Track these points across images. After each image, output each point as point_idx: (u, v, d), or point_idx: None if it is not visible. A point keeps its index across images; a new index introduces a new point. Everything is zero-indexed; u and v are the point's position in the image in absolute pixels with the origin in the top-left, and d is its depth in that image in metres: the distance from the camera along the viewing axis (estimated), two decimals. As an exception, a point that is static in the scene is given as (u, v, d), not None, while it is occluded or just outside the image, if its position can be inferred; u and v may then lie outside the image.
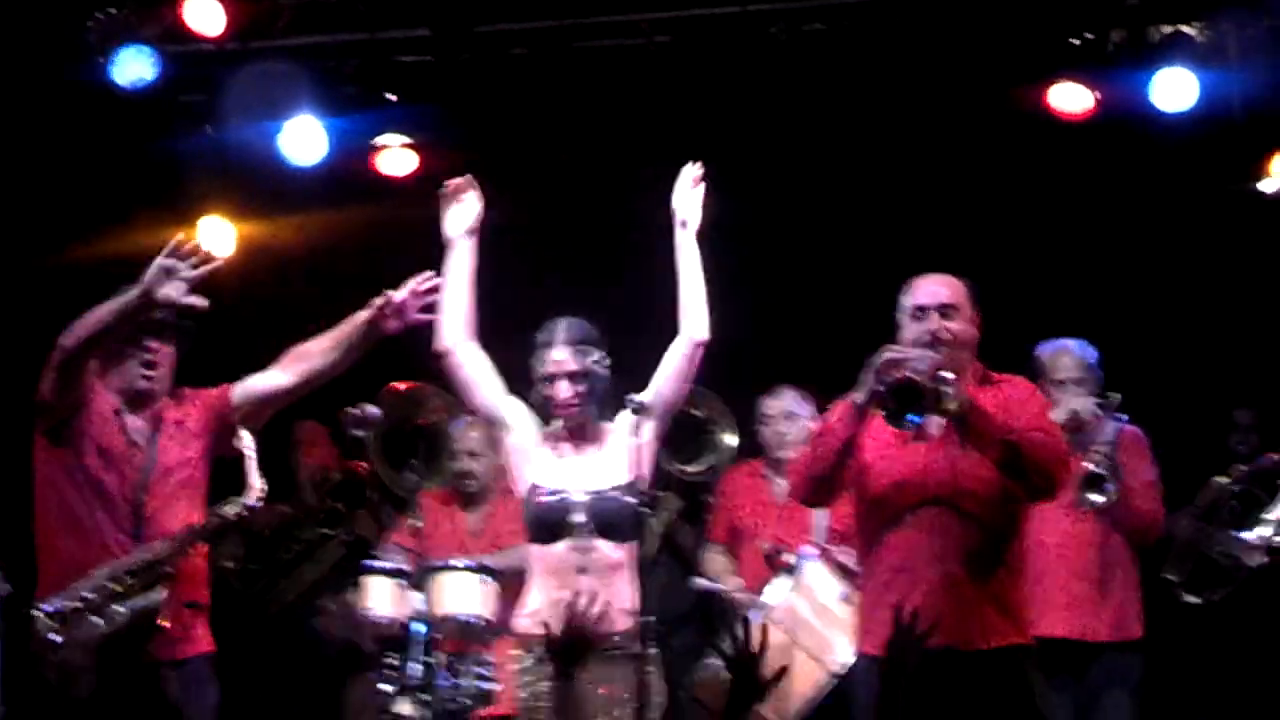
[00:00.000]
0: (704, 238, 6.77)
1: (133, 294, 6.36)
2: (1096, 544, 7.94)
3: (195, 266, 6.39)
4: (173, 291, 6.32)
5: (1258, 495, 8.16)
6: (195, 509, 6.74)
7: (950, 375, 6.27)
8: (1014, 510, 6.50)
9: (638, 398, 6.72)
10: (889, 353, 6.29)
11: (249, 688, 8.44)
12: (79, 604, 6.46)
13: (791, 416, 8.51)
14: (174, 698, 6.61)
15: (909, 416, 6.22)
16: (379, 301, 6.82)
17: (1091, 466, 7.71)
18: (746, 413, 8.79)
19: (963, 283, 6.60)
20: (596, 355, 6.85)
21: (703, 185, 6.90)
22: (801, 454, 6.73)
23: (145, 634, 6.50)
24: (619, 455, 6.77)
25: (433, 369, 7.08)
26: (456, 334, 6.88)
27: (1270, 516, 7.92)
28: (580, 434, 6.87)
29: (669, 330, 6.91)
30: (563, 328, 6.87)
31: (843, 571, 7.61)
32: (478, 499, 8.44)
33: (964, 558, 6.39)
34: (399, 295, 6.83)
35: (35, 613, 6.47)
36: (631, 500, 6.68)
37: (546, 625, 6.37)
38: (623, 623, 6.66)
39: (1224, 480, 8.37)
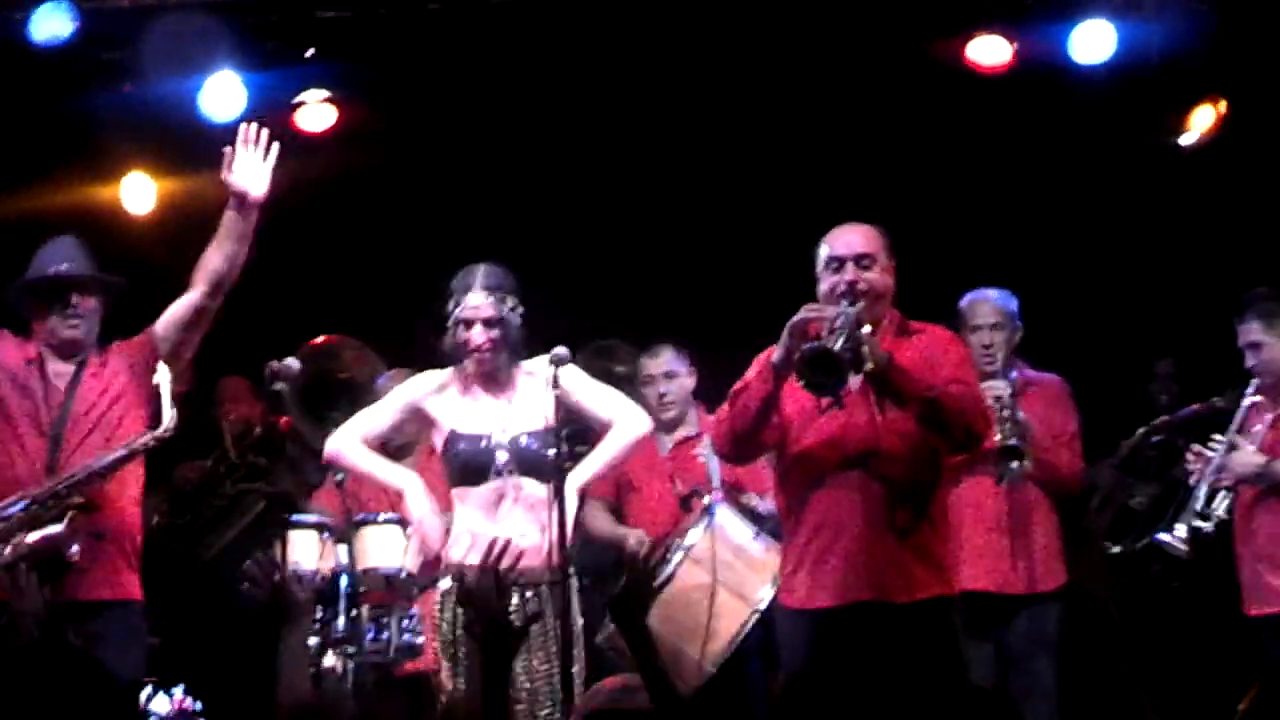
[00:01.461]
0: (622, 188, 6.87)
1: None
2: (1010, 496, 7.95)
3: None
4: None
5: (1177, 446, 8.25)
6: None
7: (866, 331, 6.31)
8: (936, 464, 6.57)
9: (561, 352, 6.88)
10: (806, 311, 6.34)
11: (176, 643, 8.55)
12: None
13: (671, 375, 8.55)
14: (97, 643, 6.68)
15: (827, 387, 6.23)
16: (223, 175, 7.01)
17: (1003, 440, 7.69)
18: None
19: (878, 231, 6.63)
20: (512, 302, 6.98)
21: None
22: (722, 412, 6.72)
23: (55, 564, 6.65)
24: (534, 401, 6.92)
25: (351, 324, 7.20)
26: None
27: (1190, 512, 7.86)
28: (493, 379, 7.03)
29: (570, 275, 7.02)
30: (481, 273, 6.99)
31: (748, 514, 7.77)
32: (403, 453, 8.34)
33: (886, 514, 6.46)
34: (232, 162, 7.00)
35: None
36: (550, 451, 6.81)
37: (463, 576, 6.51)
38: (544, 554, 6.82)
39: (1143, 431, 8.49)
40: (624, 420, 7.11)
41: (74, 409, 7.02)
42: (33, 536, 6.71)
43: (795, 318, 6.31)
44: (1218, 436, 7.81)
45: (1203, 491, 7.80)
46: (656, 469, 8.47)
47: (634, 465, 8.36)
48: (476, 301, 6.98)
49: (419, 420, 7.21)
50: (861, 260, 6.54)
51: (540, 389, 6.89)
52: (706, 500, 8.01)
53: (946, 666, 6.37)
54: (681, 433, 8.56)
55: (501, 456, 6.93)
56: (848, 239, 6.59)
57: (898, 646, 6.29)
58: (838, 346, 6.16)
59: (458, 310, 7.00)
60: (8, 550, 6.70)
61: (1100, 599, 8.78)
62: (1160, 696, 8.40)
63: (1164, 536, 7.89)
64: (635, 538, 8.22)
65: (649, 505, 8.43)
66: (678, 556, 7.77)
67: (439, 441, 7.10)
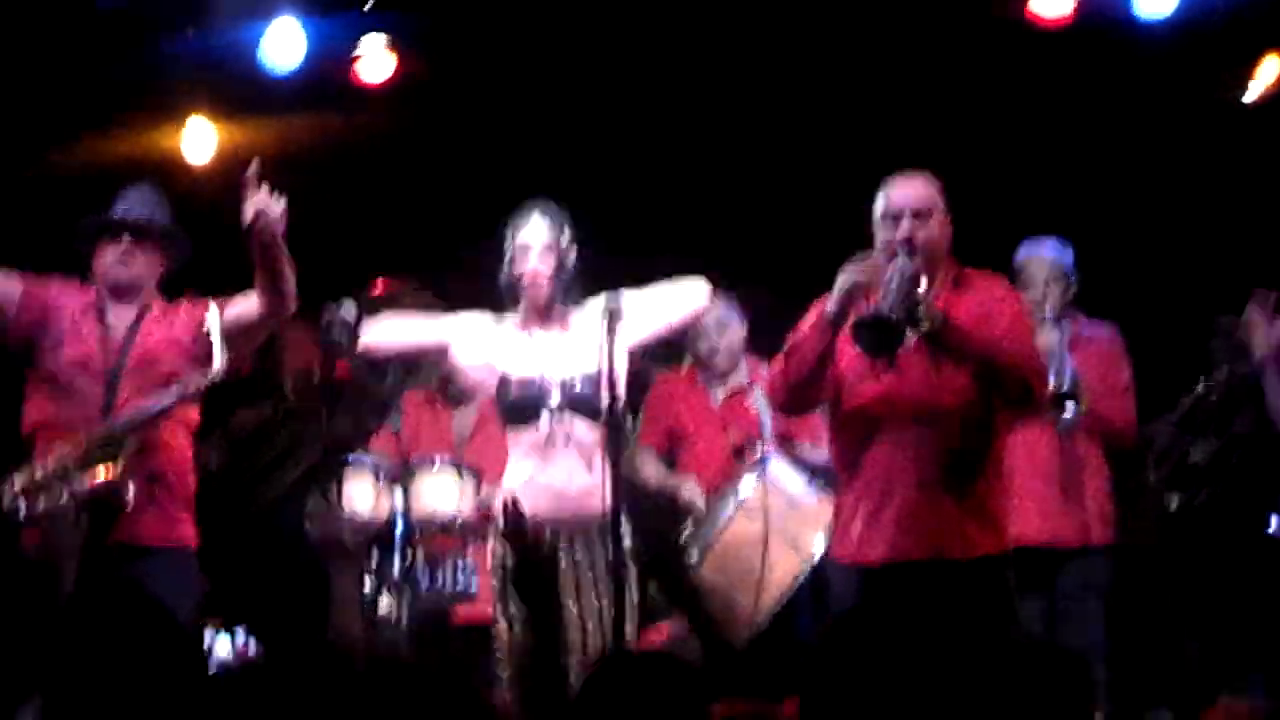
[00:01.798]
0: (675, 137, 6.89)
1: None
2: (1062, 448, 7.99)
3: None
4: None
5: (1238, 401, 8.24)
6: None
7: (922, 287, 6.30)
8: (992, 420, 6.55)
9: (614, 302, 6.89)
10: (858, 273, 6.32)
11: (232, 587, 8.63)
12: (40, 476, 6.77)
13: (723, 325, 8.55)
14: (150, 585, 6.77)
15: (882, 351, 6.25)
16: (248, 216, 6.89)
17: (1056, 386, 7.66)
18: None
19: (935, 181, 6.61)
20: (568, 235, 7.03)
21: None
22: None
23: (108, 506, 6.75)
24: (588, 342, 6.90)
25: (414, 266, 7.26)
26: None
27: None
28: (547, 314, 7.04)
29: (625, 226, 7.07)
30: (539, 204, 7.05)
31: (801, 465, 7.79)
32: (464, 399, 8.46)
33: (941, 471, 6.45)
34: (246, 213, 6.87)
35: (3, 489, 6.78)
36: (602, 397, 6.82)
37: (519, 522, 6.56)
38: (600, 501, 6.76)
39: (1204, 385, 8.47)
40: (684, 286, 7.14)
41: (132, 354, 7.08)
42: (89, 480, 6.77)
43: (847, 277, 6.33)
44: None
45: None
46: (709, 419, 8.50)
47: (685, 416, 8.53)
48: (534, 228, 7.03)
49: (447, 356, 7.24)
50: (918, 214, 6.51)
51: (594, 331, 6.87)
52: (760, 451, 8.01)
53: (1001, 624, 6.36)
54: (733, 383, 8.57)
55: (554, 398, 6.94)
56: (904, 192, 6.56)
57: (951, 604, 6.29)
58: (892, 311, 6.17)
59: (515, 238, 7.05)
60: (65, 494, 6.76)
61: (1150, 554, 8.74)
62: (1210, 654, 8.36)
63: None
64: (688, 488, 8.21)
65: (701, 456, 8.43)
66: (729, 508, 7.81)
67: (491, 385, 7.10)
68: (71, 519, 6.77)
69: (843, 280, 6.33)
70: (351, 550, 7.91)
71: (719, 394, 8.56)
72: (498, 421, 7.39)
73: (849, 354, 6.42)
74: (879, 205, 6.57)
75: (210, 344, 6.90)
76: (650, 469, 8.56)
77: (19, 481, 6.80)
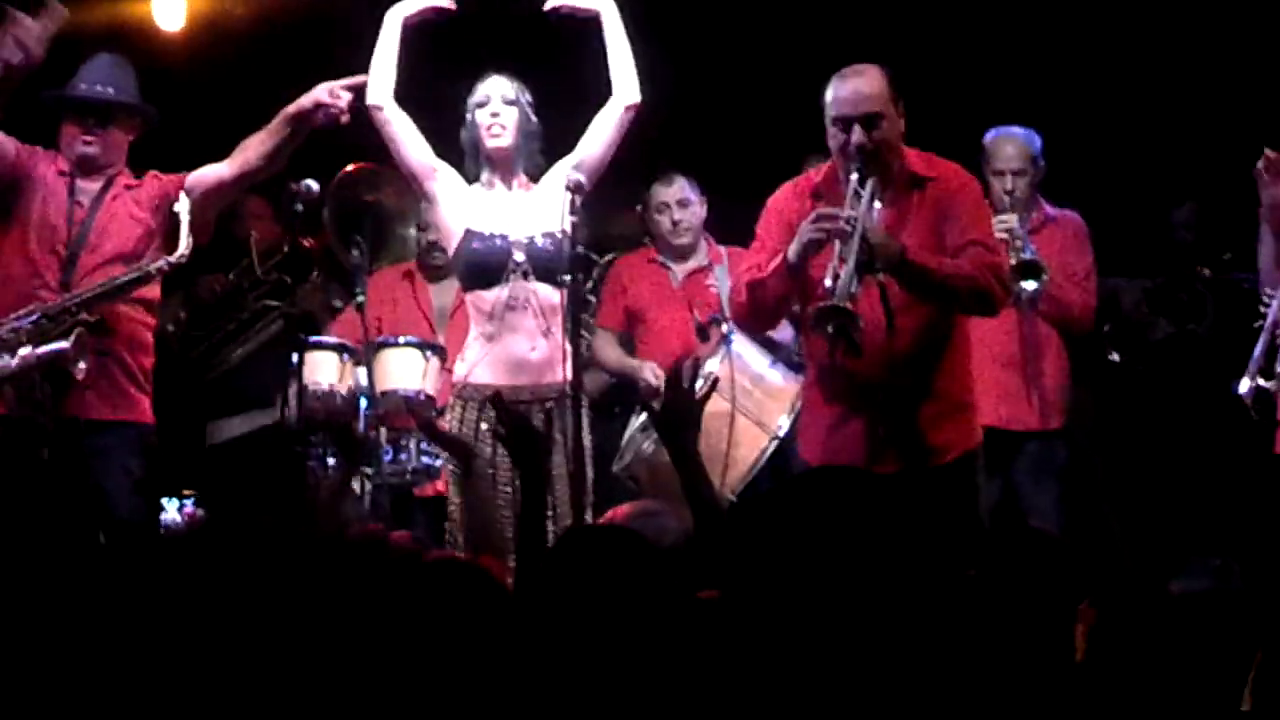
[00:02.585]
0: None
1: None
2: (1021, 333, 8.13)
3: None
4: None
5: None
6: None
7: (876, 243, 6.34)
8: (953, 322, 6.71)
9: (576, 175, 7.00)
10: (815, 229, 6.38)
11: (187, 455, 8.73)
12: None
13: (685, 202, 8.63)
14: (100, 456, 7.01)
15: (841, 337, 6.28)
16: (307, 101, 7.16)
17: (1016, 258, 7.81)
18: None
19: (883, 77, 6.57)
20: (528, 97, 7.14)
21: None
22: (739, 294, 6.79)
23: (60, 379, 6.91)
24: (551, 204, 7.03)
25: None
26: (384, 94, 7.15)
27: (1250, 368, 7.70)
28: (509, 172, 7.16)
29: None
30: (497, 69, 7.20)
31: (765, 343, 7.87)
32: (444, 273, 8.46)
33: (908, 380, 6.60)
34: (326, 97, 7.15)
35: None
36: (568, 250, 6.94)
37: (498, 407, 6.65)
38: (561, 371, 6.97)
39: (1188, 273, 8.62)
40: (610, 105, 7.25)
41: (94, 227, 7.21)
42: (40, 350, 6.90)
43: (808, 232, 6.39)
44: (1269, 292, 7.58)
45: (1259, 349, 7.60)
46: (669, 298, 8.58)
47: (644, 295, 8.61)
48: (493, 83, 7.18)
49: (421, 178, 7.28)
50: (868, 119, 6.52)
51: (558, 197, 7.01)
52: (725, 328, 8.04)
53: (964, 523, 6.49)
54: (693, 263, 8.66)
55: (517, 257, 7.03)
56: (852, 94, 6.55)
57: (916, 507, 6.40)
58: (848, 299, 6.22)
59: (476, 93, 7.18)
60: (14, 362, 6.90)
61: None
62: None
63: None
64: (650, 369, 8.28)
65: (661, 335, 8.52)
66: (703, 382, 7.86)
67: (453, 244, 7.19)
68: (36, 384, 6.92)
69: (803, 234, 6.40)
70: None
71: (679, 274, 8.62)
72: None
73: (818, 263, 6.45)
74: (828, 106, 6.59)
75: (176, 223, 7.09)
76: (609, 351, 8.65)
77: None
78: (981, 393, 7.29)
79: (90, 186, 7.28)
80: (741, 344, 7.97)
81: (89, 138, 7.30)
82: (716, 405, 7.79)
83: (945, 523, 6.24)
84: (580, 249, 6.97)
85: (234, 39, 9.25)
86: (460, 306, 8.20)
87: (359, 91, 7.10)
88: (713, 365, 7.93)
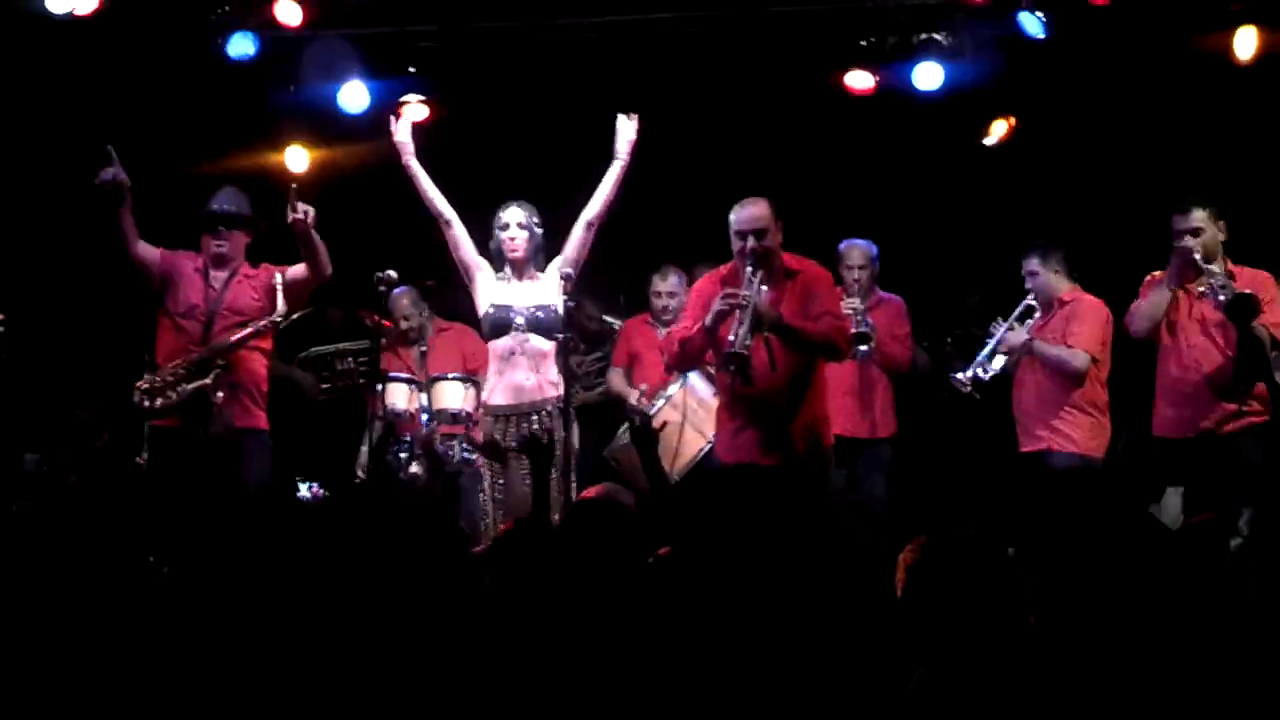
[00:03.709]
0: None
1: None
2: (859, 373, 8.13)
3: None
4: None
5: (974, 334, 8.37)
6: None
7: (764, 292, 6.49)
8: (814, 365, 6.75)
9: (566, 269, 7.06)
10: (723, 301, 6.48)
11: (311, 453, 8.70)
12: (159, 383, 7.16)
13: (673, 294, 8.54)
14: (236, 451, 7.17)
15: (739, 371, 6.43)
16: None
17: (857, 329, 7.85)
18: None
19: (768, 204, 6.69)
20: (537, 219, 7.22)
21: (635, 130, 7.14)
22: (672, 345, 6.88)
23: (202, 404, 7.09)
24: (548, 289, 7.13)
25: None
26: (449, 211, 7.28)
27: (980, 356, 7.96)
28: (521, 270, 7.21)
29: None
30: (517, 199, 7.29)
31: (711, 379, 7.69)
32: (418, 336, 8.56)
33: (784, 402, 6.64)
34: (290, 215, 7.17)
35: (133, 390, 7.19)
36: (555, 316, 7.07)
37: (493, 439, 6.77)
38: (553, 391, 7.06)
39: (949, 340, 8.57)
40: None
41: (223, 303, 7.33)
42: (190, 385, 7.14)
43: (718, 305, 6.50)
44: (1001, 319, 7.96)
45: (985, 353, 7.94)
46: (654, 346, 8.40)
47: (640, 345, 8.52)
48: (513, 212, 7.24)
49: (469, 270, 7.28)
50: (758, 232, 6.64)
51: (553, 284, 7.14)
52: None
53: (820, 493, 6.48)
54: (673, 327, 8.52)
55: (518, 320, 7.11)
56: (748, 216, 6.67)
57: (787, 488, 6.38)
58: (743, 347, 6.34)
59: (499, 219, 7.25)
60: (175, 395, 7.16)
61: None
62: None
63: (957, 376, 8.02)
64: (636, 394, 8.29)
65: (647, 371, 8.41)
66: (660, 402, 7.93)
67: (481, 313, 7.28)
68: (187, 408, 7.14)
69: (715, 306, 6.53)
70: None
71: (662, 333, 8.41)
72: (441, 354, 8.01)
73: (725, 327, 6.53)
74: (731, 223, 6.72)
75: (277, 297, 7.23)
76: (616, 381, 8.61)
77: (144, 384, 7.18)
78: (833, 413, 7.32)
79: (220, 275, 7.44)
80: (695, 379, 7.89)
81: (219, 242, 7.43)
82: (671, 417, 7.87)
83: (807, 499, 6.33)
84: (592, 316, 7.48)
85: (339, 179, 9.21)
86: (426, 362, 8.43)
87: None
88: (672, 389, 7.97)
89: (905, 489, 8.40)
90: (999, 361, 7.92)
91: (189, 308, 7.36)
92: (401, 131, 7.44)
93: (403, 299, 8.46)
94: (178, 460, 7.14)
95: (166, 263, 7.44)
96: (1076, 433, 7.68)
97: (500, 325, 7.19)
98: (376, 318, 7.73)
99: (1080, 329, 7.72)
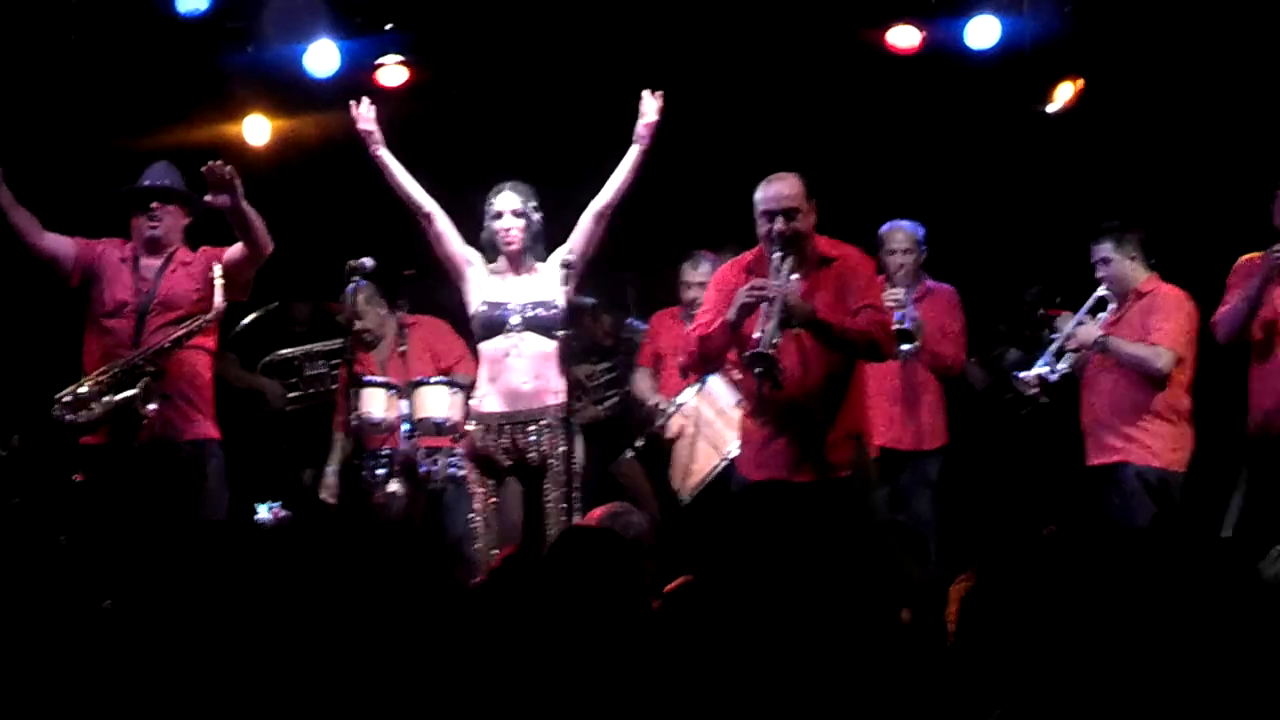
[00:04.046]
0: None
1: None
2: (903, 375, 8.12)
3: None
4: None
5: (1032, 335, 8.34)
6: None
7: (795, 280, 6.45)
8: (853, 365, 6.69)
9: (569, 257, 7.04)
10: (749, 294, 6.43)
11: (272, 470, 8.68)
12: (80, 393, 7.02)
13: (704, 285, 8.43)
14: (176, 466, 7.06)
15: (766, 375, 6.35)
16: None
17: (899, 326, 7.79)
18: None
19: (800, 181, 6.61)
20: (534, 203, 7.15)
21: (658, 110, 7.03)
22: (690, 345, 6.80)
23: (131, 416, 6.97)
24: (548, 283, 7.06)
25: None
26: (429, 203, 7.16)
27: (1046, 354, 7.92)
28: (518, 264, 7.14)
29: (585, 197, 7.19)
30: (510, 181, 7.17)
31: (735, 385, 7.63)
32: (374, 345, 8.44)
33: (818, 409, 6.59)
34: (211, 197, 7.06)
35: (55, 401, 7.05)
36: (556, 314, 7.02)
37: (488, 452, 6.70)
38: (553, 399, 6.98)
39: (1001, 328, 8.57)
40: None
41: (156, 295, 7.20)
42: (116, 396, 7.02)
43: (742, 298, 6.44)
44: (1068, 313, 7.91)
45: (1053, 349, 7.90)
46: (679, 345, 8.41)
47: (666, 343, 8.43)
48: (507, 198, 7.15)
49: (459, 266, 7.23)
50: (788, 212, 6.55)
51: (554, 277, 7.06)
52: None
53: (858, 515, 6.47)
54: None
55: (514, 319, 7.04)
56: (775, 194, 6.60)
57: (819, 510, 6.43)
58: (770, 346, 6.28)
59: (492, 206, 7.16)
60: (98, 407, 7.02)
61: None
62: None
63: (1021, 375, 7.98)
64: (653, 402, 8.27)
65: (673, 372, 8.24)
66: (671, 410, 7.90)
67: (472, 310, 7.19)
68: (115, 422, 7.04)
69: (738, 299, 6.46)
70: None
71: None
72: (400, 365, 7.88)
73: (750, 323, 6.49)
74: (757, 202, 6.63)
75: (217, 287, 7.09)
76: (643, 384, 8.58)
77: (66, 397, 7.04)
78: (875, 421, 7.31)
79: (152, 263, 7.29)
80: (716, 384, 7.85)
81: (152, 223, 7.31)
82: (684, 430, 7.84)
83: (846, 521, 6.34)
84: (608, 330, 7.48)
85: (304, 152, 9.21)
86: (388, 366, 8.33)
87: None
88: (685, 397, 7.94)
89: (957, 508, 8.36)
90: (1067, 360, 7.89)
91: (116, 305, 7.20)
92: (365, 119, 7.27)
93: (355, 296, 8.25)
94: (109, 480, 7.01)
95: (85, 254, 7.28)
96: (1157, 443, 7.61)
97: (493, 325, 7.09)
98: (350, 312, 7.66)
99: (1162, 323, 7.65)
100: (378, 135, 7.25)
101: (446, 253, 7.21)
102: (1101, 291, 7.87)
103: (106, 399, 7.02)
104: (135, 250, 7.31)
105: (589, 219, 7.13)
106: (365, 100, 7.31)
